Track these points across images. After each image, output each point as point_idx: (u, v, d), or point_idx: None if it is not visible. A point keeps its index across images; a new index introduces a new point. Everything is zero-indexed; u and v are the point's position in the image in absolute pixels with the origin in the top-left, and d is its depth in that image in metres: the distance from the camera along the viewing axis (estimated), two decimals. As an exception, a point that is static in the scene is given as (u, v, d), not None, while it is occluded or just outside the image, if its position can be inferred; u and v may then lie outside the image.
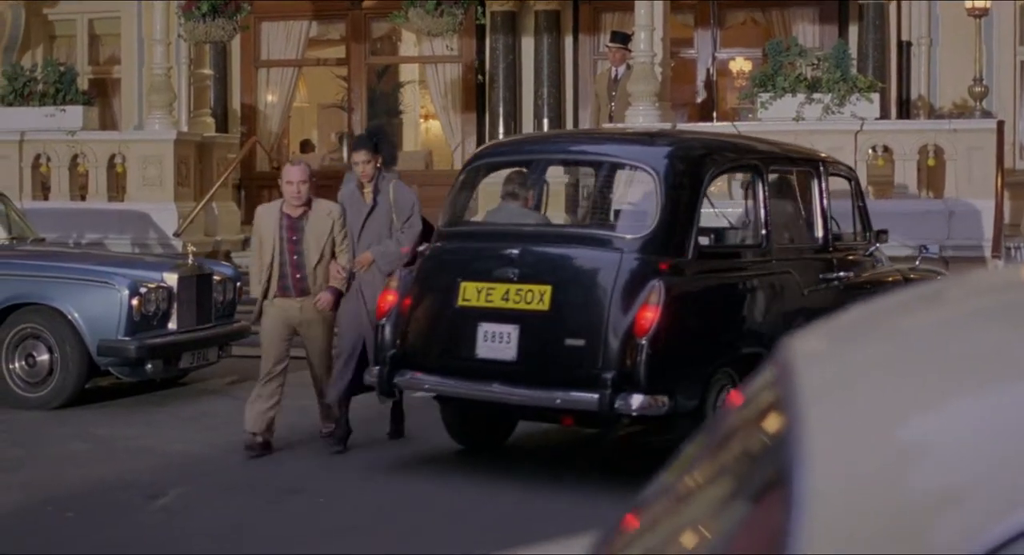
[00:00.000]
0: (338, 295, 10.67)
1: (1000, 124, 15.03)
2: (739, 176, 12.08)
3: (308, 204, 10.55)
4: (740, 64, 21.09)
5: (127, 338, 12.48)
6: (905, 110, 19.54)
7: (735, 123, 14.49)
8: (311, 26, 22.07)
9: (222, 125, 21.27)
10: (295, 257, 10.55)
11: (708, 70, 20.24)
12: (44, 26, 22.95)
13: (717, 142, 10.87)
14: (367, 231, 10.68)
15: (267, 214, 10.70)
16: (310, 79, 23.41)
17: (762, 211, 10.22)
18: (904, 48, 19.78)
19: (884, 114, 18.51)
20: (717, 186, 12.14)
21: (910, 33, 19.74)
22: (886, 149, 15.72)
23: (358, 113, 21.82)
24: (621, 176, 10.59)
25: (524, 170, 10.65)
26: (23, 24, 22.32)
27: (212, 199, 17.92)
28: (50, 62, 18.34)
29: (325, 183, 15.42)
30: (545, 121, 20.40)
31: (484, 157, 11.00)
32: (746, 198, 10.79)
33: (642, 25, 15.95)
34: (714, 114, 18.18)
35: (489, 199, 12.96)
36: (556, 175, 11.37)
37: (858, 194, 11.93)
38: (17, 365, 12.83)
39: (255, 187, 21.41)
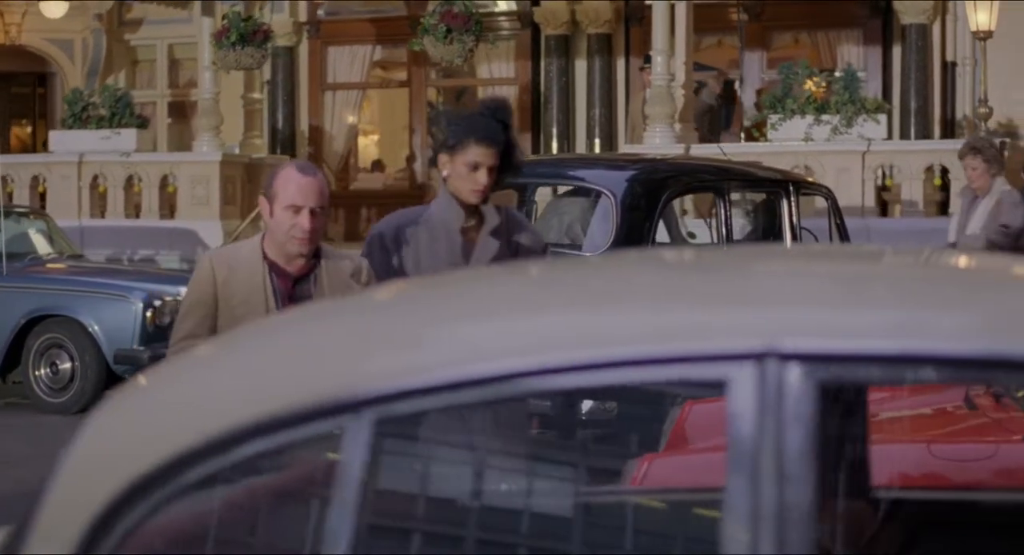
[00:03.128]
0: None
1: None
2: (704, 197, 12.62)
3: (317, 255, 5.40)
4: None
5: (141, 348, 13.24)
6: (950, 130, 19.82)
7: (721, 146, 14.96)
8: (375, 50, 22.85)
9: (289, 146, 22.11)
10: None
11: (754, 92, 20.64)
12: (127, 52, 23.99)
13: (684, 165, 11.47)
14: None
15: (239, 267, 5.37)
16: (377, 101, 24.21)
17: (724, 229, 10.79)
18: (949, 68, 20.06)
19: (927, 134, 18.86)
20: (686, 207, 12.72)
21: (955, 53, 20.01)
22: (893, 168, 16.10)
23: (419, 135, 22.56)
24: (589, 197, 11.17)
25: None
26: (104, 49, 23.41)
27: (259, 217, 18.69)
28: (107, 88, 19.28)
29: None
30: (596, 141, 21.00)
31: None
32: (710, 217, 11.35)
33: (658, 49, 16.47)
34: (742, 135, 18.64)
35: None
36: (540, 196, 11.96)
37: (835, 212, 12.40)
38: (42, 372, 13.71)
39: (321, 205, 22.24)
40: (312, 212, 5.15)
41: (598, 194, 10.78)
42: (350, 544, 2.33)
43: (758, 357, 2.25)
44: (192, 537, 2.53)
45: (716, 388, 2.29)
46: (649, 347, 2.29)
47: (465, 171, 5.68)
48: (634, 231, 10.13)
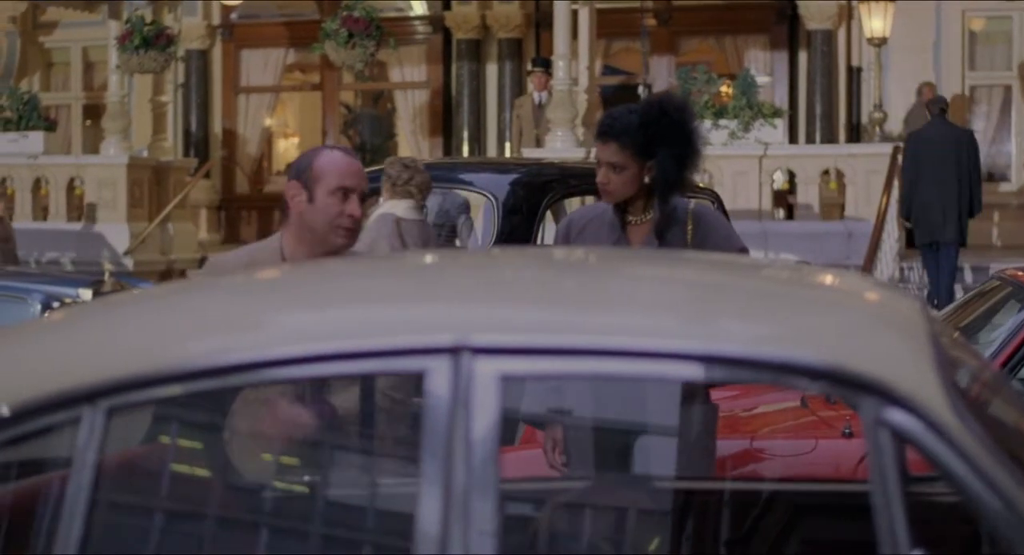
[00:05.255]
0: None
1: (895, 150, 15.61)
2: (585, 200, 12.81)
3: None
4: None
5: (39, 349, 13.30)
6: (856, 134, 20.13)
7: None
8: (288, 53, 22.95)
9: (203, 149, 22.16)
10: None
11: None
12: (41, 54, 23.99)
13: (571, 169, 11.63)
14: None
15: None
16: (290, 104, 24.33)
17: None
18: (854, 73, 20.36)
19: (833, 138, 19.13)
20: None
21: (859, 59, 20.31)
22: (791, 173, 16.38)
23: (331, 137, 22.67)
24: (472, 201, 11.36)
25: None
26: (18, 51, 23.40)
27: (168, 220, 18.80)
28: (14, 90, 19.29)
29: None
30: (507, 144, 21.16)
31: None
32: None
33: (560, 54, 16.67)
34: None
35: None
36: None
37: (722, 213, 12.64)
38: (-62, 374, 13.72)
39: (234, 208, 22.41)
40: (361, 197, 4.39)
41: (481, 196, 10.97)
42: (82, 527, 2.49)
43: (452, 351, 2.44)
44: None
45: (418, 379, 2.47)
46: (355, 342, 2.47)
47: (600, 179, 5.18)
48: (516, 234, 10.27)
